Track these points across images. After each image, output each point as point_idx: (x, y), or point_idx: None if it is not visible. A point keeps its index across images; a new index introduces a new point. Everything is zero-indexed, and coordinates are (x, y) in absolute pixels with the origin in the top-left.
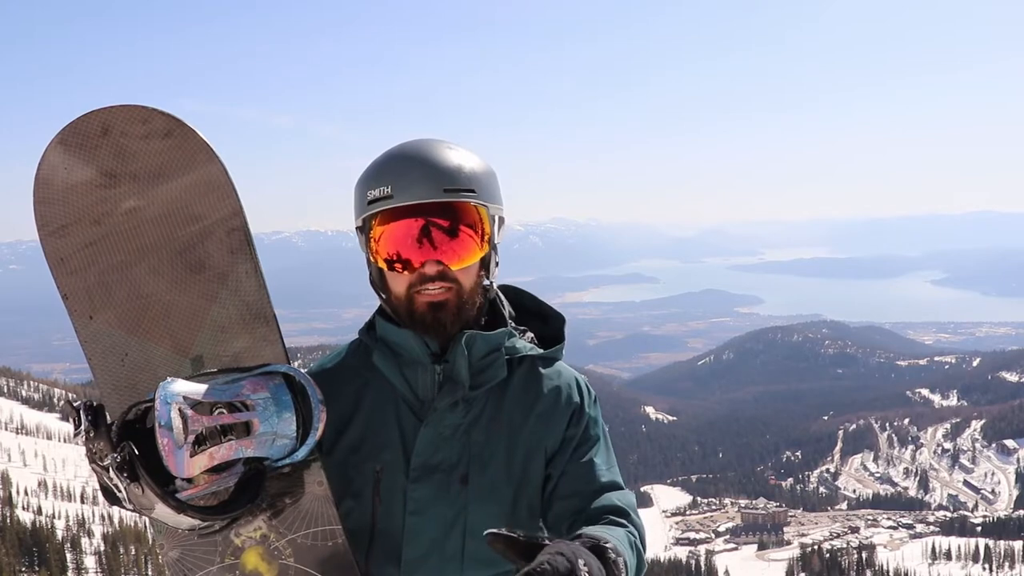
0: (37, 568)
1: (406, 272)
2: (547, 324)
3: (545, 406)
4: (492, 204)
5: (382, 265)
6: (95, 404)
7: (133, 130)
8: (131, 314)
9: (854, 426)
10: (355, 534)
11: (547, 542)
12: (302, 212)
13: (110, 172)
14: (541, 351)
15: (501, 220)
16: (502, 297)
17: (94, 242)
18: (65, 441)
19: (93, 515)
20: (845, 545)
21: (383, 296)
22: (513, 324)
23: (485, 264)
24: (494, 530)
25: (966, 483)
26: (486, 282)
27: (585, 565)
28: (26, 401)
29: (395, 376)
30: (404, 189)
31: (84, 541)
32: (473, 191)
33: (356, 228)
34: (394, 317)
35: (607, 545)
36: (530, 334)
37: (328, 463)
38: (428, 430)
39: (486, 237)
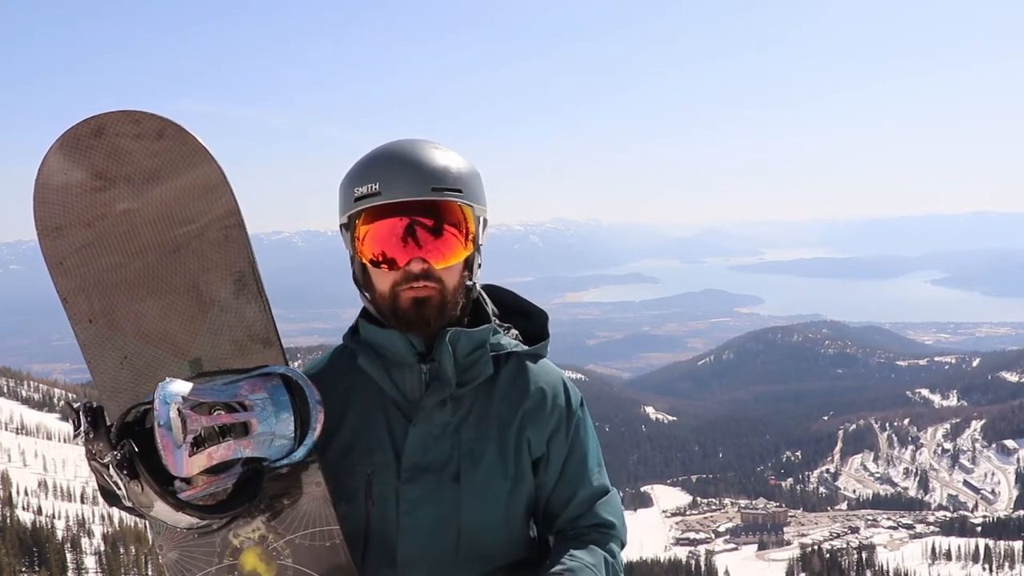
0: (37, 568)
1: (391, 271)
2: (530, 321)
3: (532, 403)
4: (477, 205)
5: (366, 263)
6: (94, 405)
7: (126, 132)
8: (129, 317)
9: (854, 426)
10: (349, 537)
11: None
12: (302, 212)
13: (104, 174)
14: (526, 348)
15: (485, 221)
16: (485, 296)
17: (90, 244)
18: (65, 441)
19: (93, 515)
20: (845, 545)
21: (366, 295)
22: (497, 322)
23: (469, 264)
24: None
25: (966, 483)
26: (469, 282)
27: None
28: (26, 401)
29: (382, 378)
30: (392, 187)
31: (84, 541)
32: (460, 191)
33: (341, 226)
34: (377, 317)
35: None
36: (514, 331)
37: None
38: (417, 430)
39: (470, 237)
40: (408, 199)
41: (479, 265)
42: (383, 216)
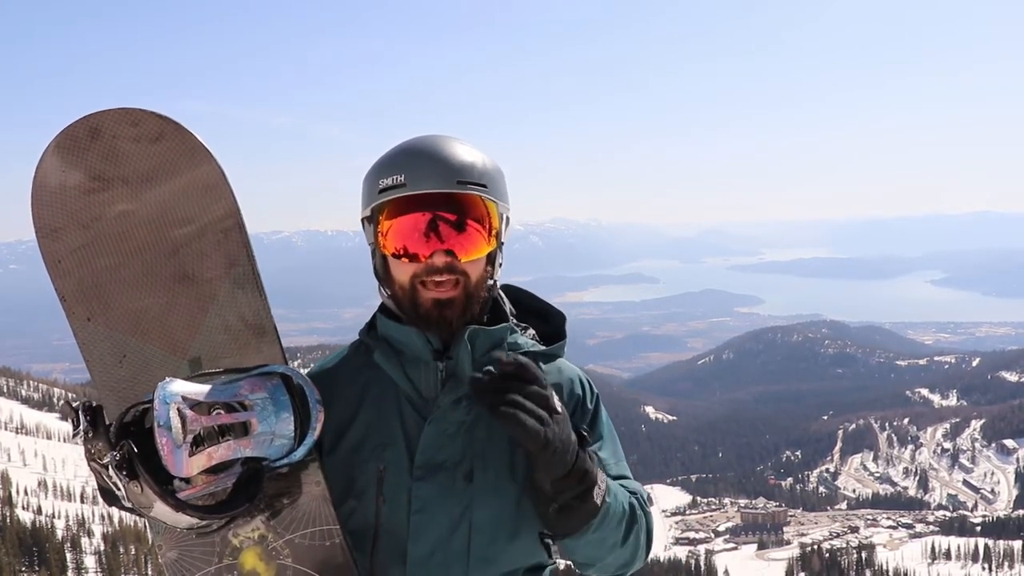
0: (37, 568)
1: (413, 263)
2: (547, 322)
3: None
4: (501, 202)
5: (388, 256)
6: (94, 405)
7: (124, 132)
8: (128, 316)
9: (854, 426)
10: (359, 533)
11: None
12: (302, 212)
13: (101, 175)
14: (543, 347)
15: (508, 219)
16: (502, 295)
17: (87, 244)
18: (65, 441)
19: (93, 515)
20: (845, 545)
21: (386, 290)
22: (515, 321)
23: (491, 261)
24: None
25: (966, 483)
26: (491, 280)
27: (559, 416)
28: (26, 401)
29: (398, 374)
30: (418, 179)
31: (84, 541)
32: (485, 186)
33: (363, 219)
34: (396, 311)
35: (590, 442)
36: (531, 331)
37: (331, 463)
38: (432, 428)
39: (494, 233)
40: (433, 191)
41: (500, 264)
42: (407, 210)
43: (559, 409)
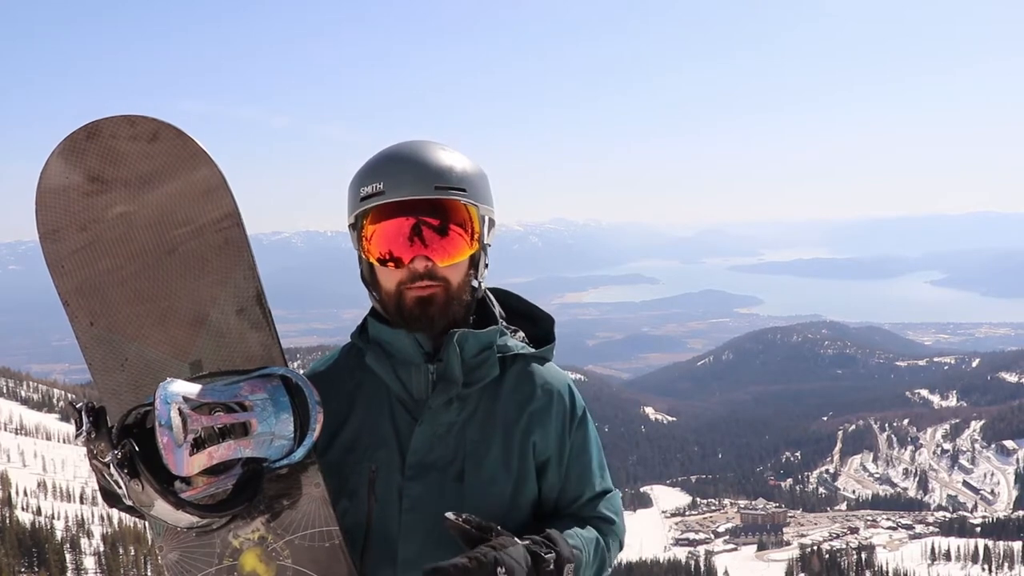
0: (36, 569)
1: (397, 269)
2: (536, 326)
3: (538, 405)
4: (482, 205)
5: (373, 262)
6: (97, 406)
7: (121, 132)
8: (130, 319)
9: (853, 427)
10: (351, 533)
11: (495, 534)
12: (302, 212)
13: (100, 176)
14: (533, 350)
15: (491, 221)
16: (491, 297)
17: (87, 246)
18: (64, 442)
19: (92, 516)
20: (844, 546)
21: (374, 294)
22: (504, 323)
23: (474, 263)
24: (451, 514)
25: (965, 484)
26: (474, 282)
27: (506, 573)
28: (25, 402)
29: (389, 376)
30: (396, 186)
31: (84, 542)
32: (464, 190)
33: (348, 225)
34: (384, 315)
35: (547, 556)
36: (521, 333)
37: (324, 463)
38: (423, 428)
39: (475, 236)
40: (411, 198)
41: (486, 265)
42: (389, 215)
43: None
